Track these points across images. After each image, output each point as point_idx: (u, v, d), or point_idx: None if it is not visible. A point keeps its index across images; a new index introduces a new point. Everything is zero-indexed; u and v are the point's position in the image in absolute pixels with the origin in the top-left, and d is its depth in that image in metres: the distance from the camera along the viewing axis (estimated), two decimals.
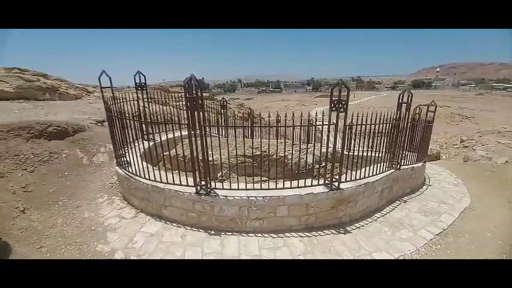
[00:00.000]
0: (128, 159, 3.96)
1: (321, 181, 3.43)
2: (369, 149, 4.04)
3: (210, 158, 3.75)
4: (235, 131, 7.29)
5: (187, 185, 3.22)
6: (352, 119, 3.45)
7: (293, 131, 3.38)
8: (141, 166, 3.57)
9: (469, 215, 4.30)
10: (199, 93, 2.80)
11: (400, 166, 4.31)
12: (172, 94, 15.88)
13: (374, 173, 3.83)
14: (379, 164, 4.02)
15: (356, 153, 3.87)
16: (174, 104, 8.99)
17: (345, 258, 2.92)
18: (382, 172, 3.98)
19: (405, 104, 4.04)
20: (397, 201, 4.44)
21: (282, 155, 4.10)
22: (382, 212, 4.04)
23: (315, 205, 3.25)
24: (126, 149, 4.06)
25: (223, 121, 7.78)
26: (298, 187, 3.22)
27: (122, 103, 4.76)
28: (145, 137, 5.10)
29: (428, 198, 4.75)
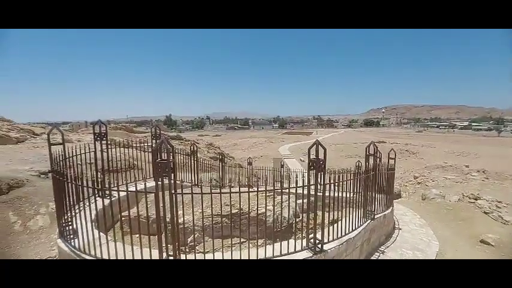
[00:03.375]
0: (75, 226, 3.26)
1: (304, 243, 3.20)
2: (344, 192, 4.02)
3: (180, 220, 3.32)
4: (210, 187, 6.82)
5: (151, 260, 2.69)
6: (329, 178, 3.45)
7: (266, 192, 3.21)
8: (91, 236, 2.93)
9: None
10: (171, 156, 2.53)
11: (374, 216, 4.37)
12: (137, 135, 15.01)
13: (353, 228, 3.77)
14: (355, 215, 3.99)
15: (331, 194, 3.79)
16: (138, 146, 7.96)
17: None
18: (361, 225, 3.94)
19: (372, 156, 4.29)
20: (376, 253, 4.37)
21: (260, 211, 3.85)
22: None
23: None
24: (73, 212, 3.36)
25: (193, 166, 7.36)
26: (281, 255, 2.93)
27: (73, 157, 4.17)
28: (100, 193, 4.40)
29: (402, 246, 4.81)
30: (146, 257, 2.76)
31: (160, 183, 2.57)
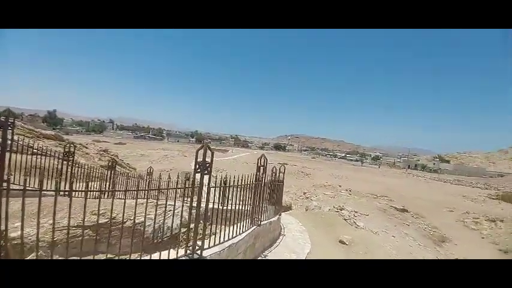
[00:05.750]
0: None
1: (182, 251, 3.03)
2: (237, 203, 4.19)
3: (13, 234, 2.49)
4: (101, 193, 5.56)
5: None
6: (219, 180, 3.53)
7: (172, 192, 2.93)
8: None
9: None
10: None
11: (260, 222, 4.74)
12: None
13: (238, 233, 3.92)
14: (242, 222, 4.21)
15: (227, 207, 3.87)
16: None
17: None
18: (246, 231, 4.16)
19: (262, 167, 4.75)
20: (259, 257, 4.68)
21: (139, 220, 3.41)
22: None
23: None
24: None
25: (67, 174, 5.87)
26: None
27: None
28: None
29: (283, 250, 5.41)
30: None
31: None
